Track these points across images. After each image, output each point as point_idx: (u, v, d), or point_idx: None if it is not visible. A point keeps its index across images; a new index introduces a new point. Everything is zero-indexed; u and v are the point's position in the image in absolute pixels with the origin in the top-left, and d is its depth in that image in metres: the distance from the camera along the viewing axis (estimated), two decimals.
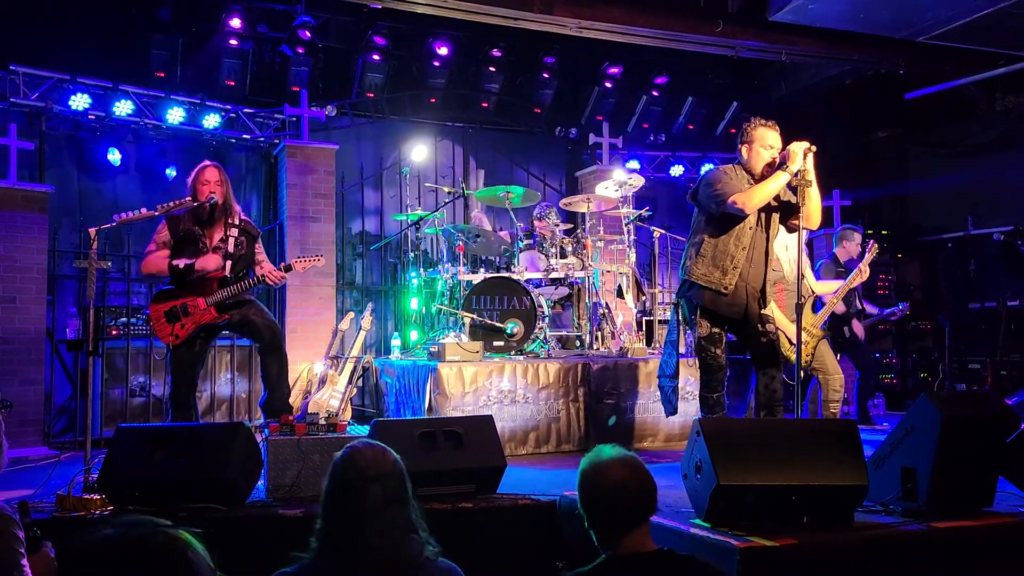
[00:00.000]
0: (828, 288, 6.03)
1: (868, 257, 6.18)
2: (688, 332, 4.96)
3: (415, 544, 2.16)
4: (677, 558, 2.31)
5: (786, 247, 5.53)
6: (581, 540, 3.79)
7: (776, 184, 4.58)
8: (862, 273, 5.98)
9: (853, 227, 7.57)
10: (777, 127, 4.76)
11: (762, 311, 4.79)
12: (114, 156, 7.45)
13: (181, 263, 4.91)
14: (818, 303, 5.94)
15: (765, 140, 4.70)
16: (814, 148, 4.50)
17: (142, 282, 7.42)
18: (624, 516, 2.31)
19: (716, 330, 4.77)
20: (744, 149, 4.80)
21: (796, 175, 4.49)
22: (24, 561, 2.21)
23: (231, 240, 5.08)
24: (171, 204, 4.95)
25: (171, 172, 7.79)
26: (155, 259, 5.02)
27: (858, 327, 7.34)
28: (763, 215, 4.77)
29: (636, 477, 2.34)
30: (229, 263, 5.05)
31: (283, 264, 5.25)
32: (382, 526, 2.13)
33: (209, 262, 4.94)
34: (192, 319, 4.95)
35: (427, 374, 5.91)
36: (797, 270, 4.66)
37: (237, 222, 5.15)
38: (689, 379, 6.52)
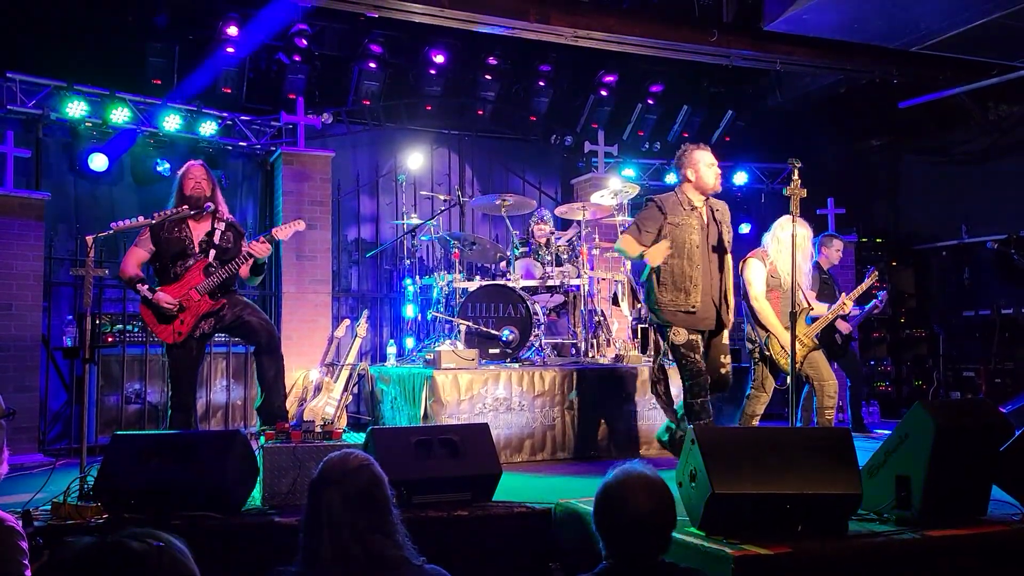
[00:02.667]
0: (818, 309, 6.01)
1: (866, 283, 6.15)
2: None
3: (377, 549, 2.15)
4: (679, 571, 2.31)
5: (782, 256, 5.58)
6: (576, 548, 3.81)
7: (658, 252, 4.88)
8: (845, 306, 5.99)
9: (834, 234, 7.61)
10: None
11: (723, 340, 5.09)
12: (100, 163, 7.38)
13: (142, 290, 4.95)
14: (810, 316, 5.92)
15: (706, 159, 5.05)
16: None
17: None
18: (640, 543, 2.28)
19: (694, 337, 4.98)
20: (690, 172, 5.07)
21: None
22: (28, 572, 2.20)
23: (217, 232, 5.14)
24: (167, 212, 4.99)
25: (164, 168, 7.78)
26: (127, 267, 5.04)
27: (843, 325, 7.34)
28: (707, 233, 5.06)
29: (662, 509, 2.30)
30: (213, 252, 5.09)
31: (267, 236, 5.22)
32: (336, 533, 2.14)
33: (163, 298, 4.92)
34: (190, 312, 4.97)
35: (423, 381, 5.92)
36: (792, 280, 4.70)
37: (224, 218, 5.21)
38: None
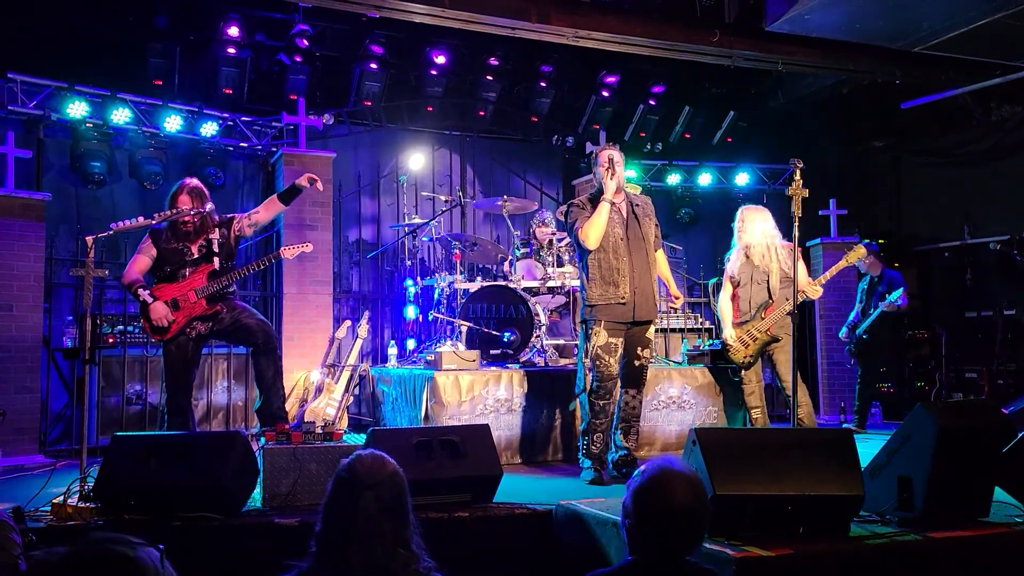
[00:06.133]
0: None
1: (839, 265, 5.93)
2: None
3: (400, 559, 2.15)
4: (701, 571, 2.30)
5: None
6: (577, 550, 3.80)
7: (603, 214, 5.04)
8: (810, 292, 5.78)
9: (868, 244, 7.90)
10: (615, 147, 5.26)
11: (647, 334, 5.20)
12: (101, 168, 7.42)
13: (142, 295, 4.97)
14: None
15: (605, 158, 5.15)
16: (615, 169, 5.06)
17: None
18: (679, 538, 2.25)
19: (612, 341, 5.07)
20: (594, 175, 5.27)
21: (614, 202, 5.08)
22: (23, 564, 2.19)
23: (215, 242, 5.16)
24: (167, 213, 4.99)
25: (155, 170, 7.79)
26: (131, 273, 5.07)
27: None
28: (628, 226, 5.16)
29: (702, 504, 2.27)
30: (217, 259, 5.13)
31: (273, 253, 5.35)
32: (365, 538, 2.13)
33: (158, 310, 4.95)
34: (183, 312, 5.01)
35: (424, 383, 5.91)
36: (794, 281, 4.69)
37: (216, 224, 5.22)
38: (686, 388, 6.53)
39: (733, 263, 5.89)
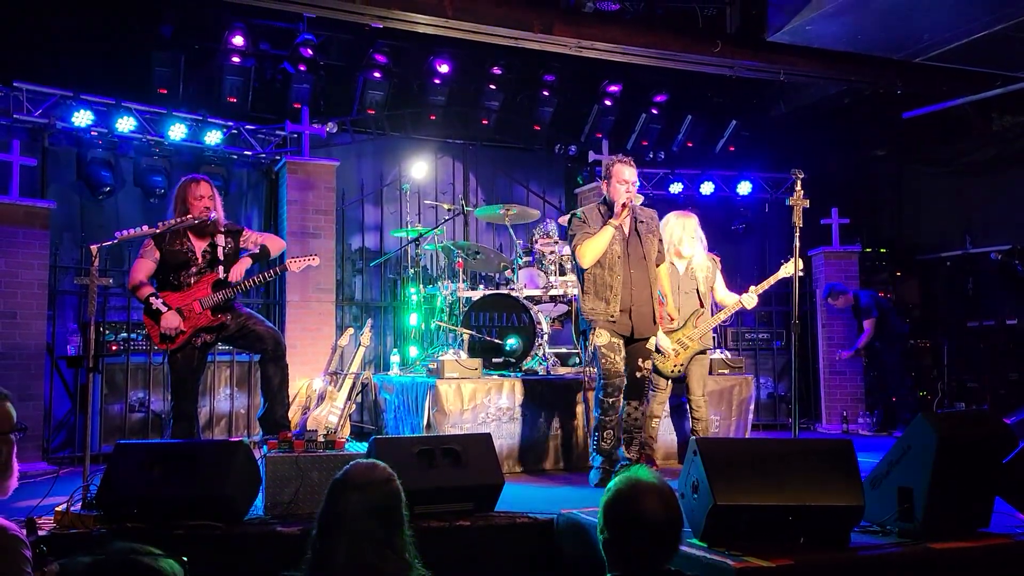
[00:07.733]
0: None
1: (777, 276, 5.82)
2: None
3: (390, 562, 2.17)
4: None
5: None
6: (579, 559, 3.81)
7: (604, 238, 5.06)
8: (745, 302, 5.78)
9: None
10: (632, 163, 5.23)
11: (647, 345, 5.22)
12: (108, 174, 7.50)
13: (155, 303, 4.92)
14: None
15: (621, 175, 5.15)
16: (632, 193, 5.11)
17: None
18: (652, 550, 2.26)
19: (615, 340, 5.13)
20: (604, 185, 5.27)
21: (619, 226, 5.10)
22: None
23: (220, 248, 5.15)
24: (172, 222, 4.98)
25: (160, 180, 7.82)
26: (138, 278, 5.01)
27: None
28: (629, 243, 5.19)
29: (674, 516, 2.28)
30: (222, 268, 5.11)
31: (280, 265, 5.35)
32: (353, 539, 2.15)
33: (171, 320, 4.91)
34: (188, 323, 4.98)
35: (426, 391, 5.92)
36: (794, 288, 4.70)
37: (222, 228, 5.21)
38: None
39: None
